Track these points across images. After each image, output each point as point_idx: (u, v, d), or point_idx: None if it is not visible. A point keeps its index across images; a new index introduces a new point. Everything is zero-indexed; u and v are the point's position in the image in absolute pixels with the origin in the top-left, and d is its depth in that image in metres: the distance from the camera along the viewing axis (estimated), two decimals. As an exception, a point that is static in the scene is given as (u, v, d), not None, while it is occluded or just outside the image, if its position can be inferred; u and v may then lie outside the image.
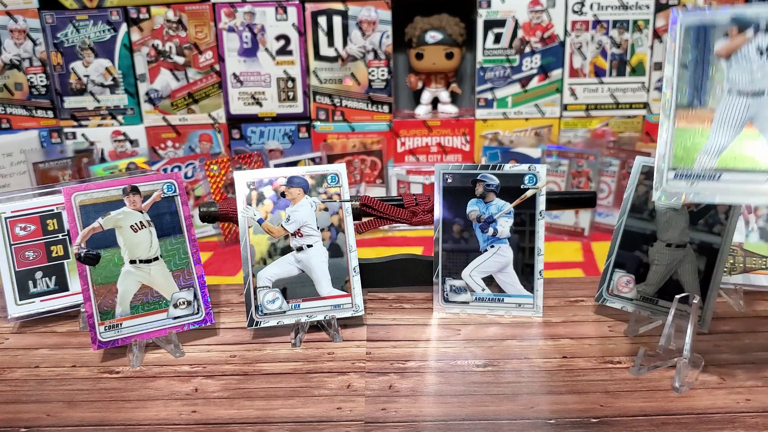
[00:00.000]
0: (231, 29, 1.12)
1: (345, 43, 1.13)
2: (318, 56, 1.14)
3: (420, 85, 1.19)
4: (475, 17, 1.12)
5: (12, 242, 0.74)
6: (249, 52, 1.13)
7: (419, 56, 1.14)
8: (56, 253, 0.76)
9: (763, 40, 0.38)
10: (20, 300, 0.74)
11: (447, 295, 0.75)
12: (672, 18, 0.42)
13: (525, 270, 0.73)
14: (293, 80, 1.15)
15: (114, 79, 1.14)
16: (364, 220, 0.78)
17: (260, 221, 0.71)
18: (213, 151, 1.16)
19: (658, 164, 0.39)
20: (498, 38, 1.12)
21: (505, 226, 0.72)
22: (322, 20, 1.12)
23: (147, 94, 1.15)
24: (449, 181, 0.73)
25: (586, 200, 0.82)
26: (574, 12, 1.10)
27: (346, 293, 0.71)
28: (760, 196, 0.37)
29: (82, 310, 0.70)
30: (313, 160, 1.13)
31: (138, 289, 0.68)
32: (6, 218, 0.74)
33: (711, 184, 0.37)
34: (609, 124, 1.16)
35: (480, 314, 0.74)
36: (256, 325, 0.70)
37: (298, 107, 1.16)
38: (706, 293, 0.66)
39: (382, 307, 0.77)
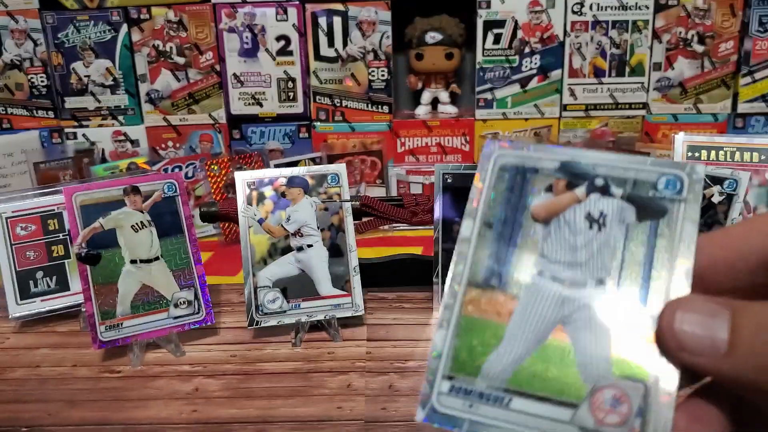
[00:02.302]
0: (231, 30, 1.12)
1: (345, 44, 1.13)
2: (318, 57, 1.14)
3: (420, 85, 1.19)
4: (475, 18, 1.12)
5: (13, 242, 0.74)
6: (249, 53, 1.13)
7: (419, 57, 1.15)
8: (57, 252, 0.76)
9: (596, 205, 0.26)
10: (21, 300, 0.74)
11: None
12: (485, 149, 0.28)
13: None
14: (293, 80, 1.15)
15: (114, 79, 1.14)
16: (364, 220, 0.78)
17: (261, 221, 0.71)
18: (213, 151, 1.17)
19: (430, 364, 0.25)
20: (497, 39, 1.12)
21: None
22: (322, 21, 1.12)
23: (148, 94, 1.15)
24: (449, 181, 0.73)
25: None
26: (574, 12, 1.11)
27: (346, 293, 0.71)
28: None
29: (83, 309, 0.70)
30: (313, 160, 1.13)
31: (139, 289, 0.68)
32: (7, 218, 0.74)
33: (497, 412, 0.23)
34: (608, 124, 1.16)
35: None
36: (257, 324, 0.70)
37: (298, 107, 1.17)
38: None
39: (382, 306, 0.77)
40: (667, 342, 0.22)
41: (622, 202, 0.25)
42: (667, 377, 0.23)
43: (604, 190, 0.26)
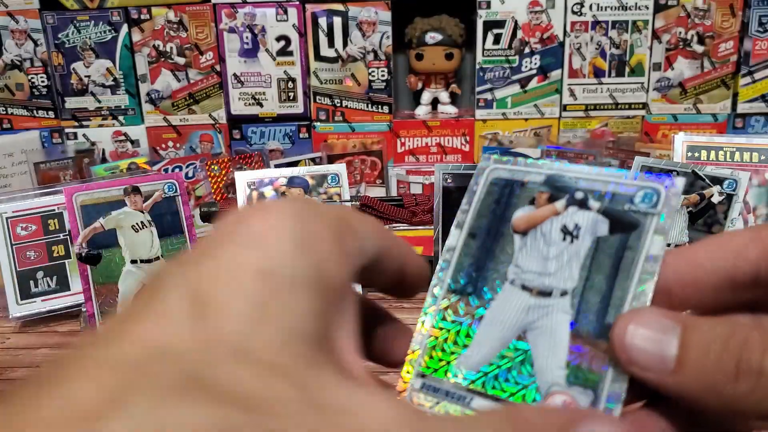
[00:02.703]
0: (232, 30, 1.12)
1: (345, 44, 1.13)
2: (318, 57, 1.14)
3: (420, 85, 1.19)
4: (475, 18, 1.12)
5: (13, 242, 0.74)
6: (249, 53, 1.14)
7: (419, 57, 1.15)
8: (57, 252, 0.76)
9: (572, 218, 0.26)
10: (21, 300, 0.74)
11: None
12: (482, 163, 0.29)
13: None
14: (293, 81, 1.15)
15: (115, 79, 1.14)
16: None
17: (261, 221, 0.71)
18: (214, 152, 1.17)
19: (409, 362, 0.27)
20: (497, 39, 1.13)
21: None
22: (323, 21, 1.12)
23: (148, 94, 1.15)
24: (449, 181, 0.73)
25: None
26: (574, 13, 1.11)
27: (346, 293, 0.71)
28: None
29: (84, 309, 0.70)
30: (313, 160, 1.14)
31: (139, 289, 0.68)
32: (7, 218, 0.74)
33: (458, 410, 0.25)
34: (608, 124, 1.16)
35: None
36: (257, 324, 0.70)
37: (298, 108, 1.17)
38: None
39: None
40: (617, 354, 0.23)
41: (598, 215, 0.26)
42: (615, 387, 0.23)
43: (582, 204, 0.26)
